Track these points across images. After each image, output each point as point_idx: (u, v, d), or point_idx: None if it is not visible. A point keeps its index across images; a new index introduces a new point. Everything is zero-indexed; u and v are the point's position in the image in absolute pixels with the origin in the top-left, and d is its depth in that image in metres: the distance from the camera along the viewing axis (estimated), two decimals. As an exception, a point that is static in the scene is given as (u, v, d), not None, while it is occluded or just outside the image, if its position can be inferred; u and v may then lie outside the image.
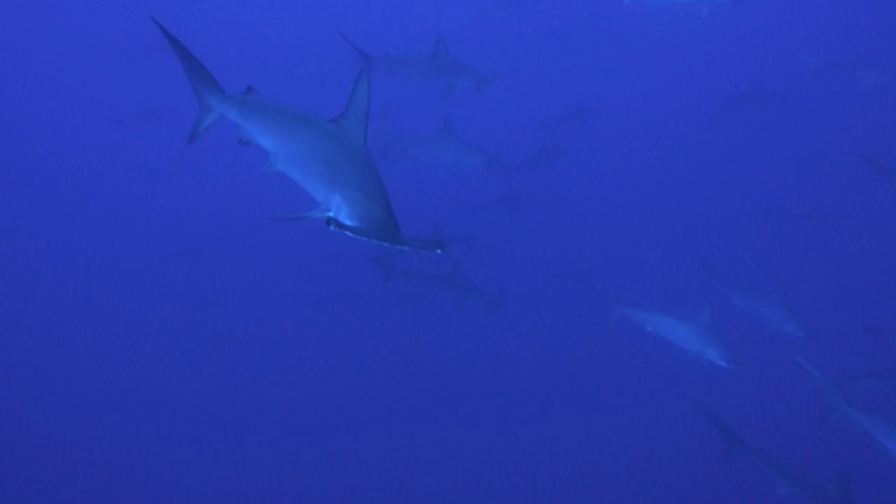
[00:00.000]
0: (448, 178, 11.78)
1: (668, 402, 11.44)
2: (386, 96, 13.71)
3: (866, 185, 15.13)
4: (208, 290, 16.48)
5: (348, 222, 3.60)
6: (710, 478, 10.14)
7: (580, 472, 12.20)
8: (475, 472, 12.83)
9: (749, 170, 18.82)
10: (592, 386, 14.17)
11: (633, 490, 11.42)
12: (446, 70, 9.26)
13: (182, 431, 14.03)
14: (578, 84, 19.08)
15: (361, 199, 3.67)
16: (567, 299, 15.51)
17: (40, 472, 12.81)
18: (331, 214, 3.71)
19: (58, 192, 18.06)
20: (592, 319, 13.99)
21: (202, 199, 17.68)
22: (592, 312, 14.03)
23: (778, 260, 16.05)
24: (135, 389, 15.03)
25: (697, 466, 10.32)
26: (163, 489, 12.65)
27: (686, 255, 15.28)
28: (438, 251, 3.51)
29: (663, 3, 11.47)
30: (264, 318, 16.68)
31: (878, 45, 17.66)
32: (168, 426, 14.07)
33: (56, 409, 14.22)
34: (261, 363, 16.10)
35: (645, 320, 9.09)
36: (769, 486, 6.59)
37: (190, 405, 14.69)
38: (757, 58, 18.88)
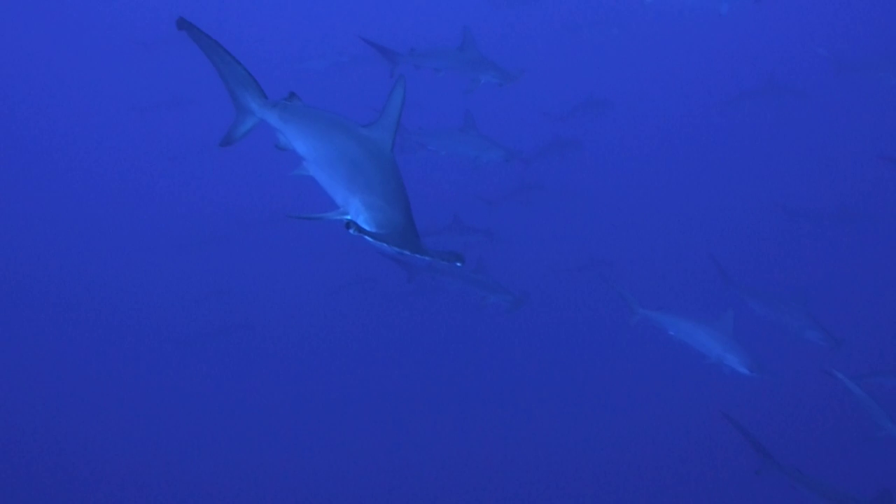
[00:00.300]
0: (463, 169, 11.67)
1: (697, 413, 11.17)
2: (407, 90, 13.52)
3: (892, 184, 14.89)
4: (223, 280, 16.48)
5: (367, 227, 3.53)
6: (743, 495, 9.93)
7: (598, 480, 12.01)
8: (485, 469, 12.70)
9: (771, 168, 18.52)
10: (610, 387, 13.96)
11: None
12: (472, 65, 9.20)
13: (195, 421, 14.06)
14: (596, 77, 18.79)
15: (382, 204, 3.60)
16: (584, 295, 15.32)
17: (56, 460, 13.03)
18: (348, 217, 3.65)
19: (75, 180, 18.03)
20: (610, 316, 13.81)
21: (220, 189, 17.60)
22: (610, 309, 13.86)
23: (802, 261, 15.74)
24: (147, 379, 15.03)
25: (729, 482, 10.10)
26: (170, 476, 12.79)
27: (702, 253, 15.06)
28: (458, 264, 3.41)
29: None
30: (279, 307, 16.64)
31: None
32: (180, 416, 14.10)
33: (68, 398, 14.28)
34: (275, 352, 16.06)
35: (667, 324, 8.89)
36: (804, 504, 6.38)
37: (203, 395, 14.69)
38: (775, 53, 18.57)
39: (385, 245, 3.44)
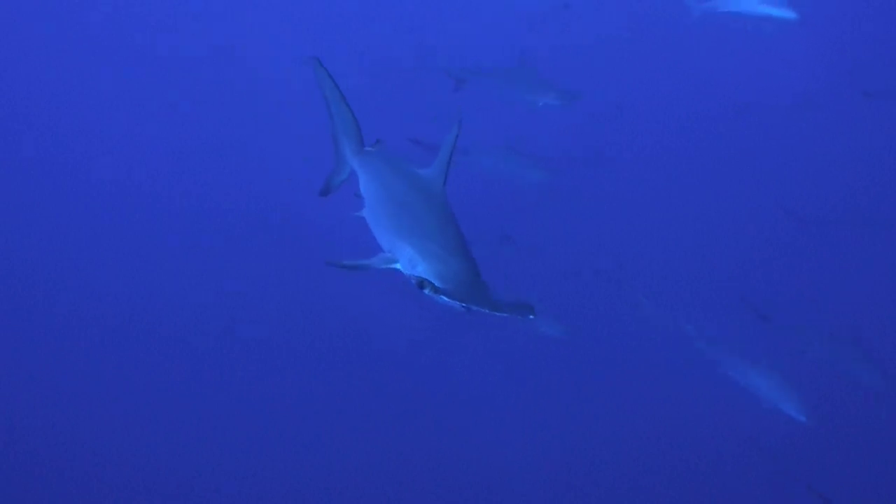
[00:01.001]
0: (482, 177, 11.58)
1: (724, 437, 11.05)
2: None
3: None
4: (234, 280, 16.09)
5: (427, 278, 3.28)
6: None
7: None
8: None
9: (786, 172, 18.50)
10: (628, 398, 13.89)
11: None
12: (531, 86, 9.27)
13: (201, 425, 13.95)
14: (616, 82, 18.58)
15: (440, 252, 3.37)
16: (597, 301, 15.22)
17: (60, 461, 13.08)
18: (397, 266, 3.49)
19: (83, 179, 17.53)
20: (621, 320, 13.81)
21: (231, 190, 17.25)
22: (622, 312, 13.85)
23: (817, 270, 15.64)
24: (154, 380, 14.70)
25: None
26: (178, 479, 12.85)
27: (712, 257, 15.07)
28: (531, 316, 3.17)
29: (730, 15, 11.57)
30: (291, 310, 16.36)
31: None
32: (185, 419, 13.97)
33: (73, 398, 14.08)
34: (283, 356, 15.83)
35: (726, 363, 8.90)
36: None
37: (209, 398, 14.43)
38: (799, 67, 18.51)
39: (461, 305, 3.19)
